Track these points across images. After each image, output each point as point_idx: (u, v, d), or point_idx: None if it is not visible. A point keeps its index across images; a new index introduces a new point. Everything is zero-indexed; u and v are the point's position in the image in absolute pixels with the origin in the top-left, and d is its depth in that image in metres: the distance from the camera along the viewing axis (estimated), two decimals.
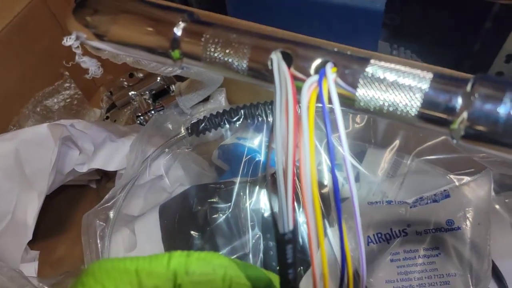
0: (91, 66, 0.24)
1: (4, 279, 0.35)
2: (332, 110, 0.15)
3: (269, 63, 0.17)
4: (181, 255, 0.20)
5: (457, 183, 0.43)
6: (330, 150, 0.13)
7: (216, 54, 0.18)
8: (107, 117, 0.57)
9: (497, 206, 0.46)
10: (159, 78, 0.55)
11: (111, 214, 0.44)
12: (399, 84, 0.15)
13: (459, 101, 0.15)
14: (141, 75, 0.55)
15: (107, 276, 0.18)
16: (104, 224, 0.43)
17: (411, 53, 0.66)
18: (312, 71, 0.16)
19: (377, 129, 0.47)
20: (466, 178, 0.45)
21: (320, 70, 0.15)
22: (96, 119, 0.59)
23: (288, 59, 0.17)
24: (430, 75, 0.15)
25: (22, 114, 0.53)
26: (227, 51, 0.18)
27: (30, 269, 0.47)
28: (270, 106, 0.46)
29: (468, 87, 0.15)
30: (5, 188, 0.39)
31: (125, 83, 0.56)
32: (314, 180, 0.14)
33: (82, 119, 0.55)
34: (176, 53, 0.20)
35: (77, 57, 0.23)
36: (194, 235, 0.42)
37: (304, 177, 0.14)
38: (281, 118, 0.13)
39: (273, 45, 0.17)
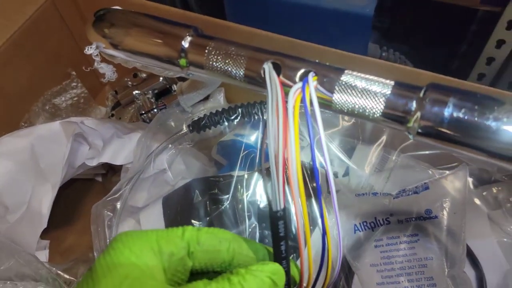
0: (107, 72, 0.28)
1: (22, 262, 0.39)
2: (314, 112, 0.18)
3: (262, 72, 0.21)
4: (193, 229, 0.23)
5: (438, 177, 0.47)
6: (310, 134, 0.17)
7: (217, 64, 0.22)
8: (112, 115, 0.60)
9: (475, 199, 0.49)
10: (161, 78, 0.58)
11: (118, 205, 0.47)
12: (367, 90, 0.19)
13: (414, 104, 0.18)
14: (144, 75, 0.58)
15: (133, 242, 0.21)
16: (111, 214, 0.47)
17: (400, 54, 0.69)
18: (297, 79, 0.19)
19: (364, 126, 0.50)
20: (447, 172, 0.49)
21: (304, 78, 0.19)
22: (102, 117, 0.62)
23: (277, 68, 0.20)
24: (391, 83, 0.19)
25: (33, 112, 0.56)
26: (227, 61, 0.21)
27: (42, 256, 0.51)
28: (265, 105, 0.49)
29: (421, 93, 0.18)
30: (21, 180, 0.42)
31: (129, 83, 0.59)
32: (298, 164, 0.17)
33: (88, 116, 0.58)
34: (183, 62, 0.23)
35: (95, 64, 0.27)
36: (195, 224, 0.46)
37: (291, 163, 0.17)
38: (272, 117, 0.17)
39: (265, 57, 0.21)
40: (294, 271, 0.25)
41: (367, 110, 0.19)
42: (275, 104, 0.18)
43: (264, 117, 0.50)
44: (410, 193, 0.43)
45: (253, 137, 0.53)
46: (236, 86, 0.59)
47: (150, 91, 0.59)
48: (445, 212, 0.41)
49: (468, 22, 0.61)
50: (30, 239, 0.42)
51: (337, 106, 0.19)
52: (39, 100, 0.57)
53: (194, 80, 0.58)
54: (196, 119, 0.49)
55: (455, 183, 0.42)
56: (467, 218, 0.45)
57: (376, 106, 0.19)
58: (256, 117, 0.49)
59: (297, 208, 0.18)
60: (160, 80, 0.59)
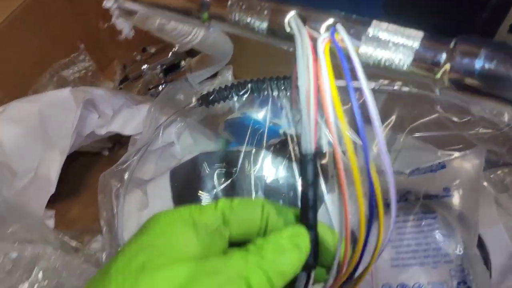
0: (125, 27, 0.27)
1: (30, 225, 0.39)
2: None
3: (286, 24, 0.21)
4: (226, 200, 0.23)
5: (454, 156, 0.47)
6: (351, 92, 0.16)
7: (239, 17, 0.22)
8: (120, 89, 0.60)
9: (483, 182, 0.50)
10: (170, 53, 0.58)
11: (126, 175, 0.47)
12: (395, 43, 0.19)
13: (443, 56, 0.18)
14: (153, 50, 0.58)
15: (165, 219, 0.21)
16: (118, 184, 0.47)
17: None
18: (322, 30, 0.19)
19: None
20: (455, 154, 0.49)
21: (330, 29, 0.19)
22: None
23: (302, 20, 0.20)
24: (421, 34, 0.18)
25: (40, 83, 0.56)
26: (250, 14, 0.21)
27: (48, 225, 0.51)
28: (275, 82, 0.49)
29: (451, 45, 0.18)
30: (29, 146, 0.42)
31: (138, 57, 0.59)
32: (334, 91, 0.17)
33: None
34: (205, 15, 0.23)
35: (114, 17, 0.26)
36: (202, 196, 0.46)
37: (325, 95, 0.17)
38: (303, 57, 0.17)
39: (289, 9, 0.20)
40: (327, 235, 0.23)
41: (395, 63, 0.19)
42: (304, 45, 0.18)
43: (274, 93, 0.50)
44: (426, 171, 0.43)
45: (261, 115, 0.52)
46: (245, 63, 0.59)
47: (159, 67, 0.58)
48: (461, 191, 0.41)
49: (481, 7, 0.60)
50: (38, 205, 0.41)
51: (363, 59, 0.19)
52: (47, 71, 0.57)
53: (203, 56, 0.58)
54: (205, 93, 0.49)
55: (472, 162, 0.42)
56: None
57: (404, 59, 0.19)
58: (265, 93, 0.49)
59: (335, 141, 0.17)
60: (169, 56, 0.58)
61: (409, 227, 0.42)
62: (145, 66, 0.58)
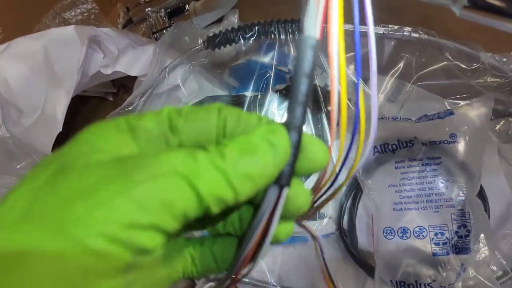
0: None
1: (38, 160, 0.39)
2: None
3: None
4: (173, 107, 0.18)
5: (462, 103, 0.47)
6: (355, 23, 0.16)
7: None
8: (117, 29, 0.59)
9: (488, 132, 0.50)
10: None
11: None
12: None
13: None
14: None
15: (98, 129, 0.17)
16: None
17: None
18: None
19: (382, 52, 0.50)
20: (461, 103, 0.49)
21: None
22: None
23: None
24: None
25: (43, 24, 0.55)
26: None
27: None
28: (282, 25, 0.48)
29: None
30: (35, 83, 0.42)
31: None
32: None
33: None
34: None
35: None
36: None
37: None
38: None
39: None
40: (311, 143, 0.18)
41: None
42: None
43: (281, 37, 0.49)
44: (434, 117, 0.43)
45: (267, 60, 0.52)
46: (251, 7, 0.58)
47: (163, 10, 0.57)
48: (468, 138, 0.41)
49: None
50: (45, 143, 0.42)
51: None
52: (49, 12, 0.56)
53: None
54: (211, 35, 0.48)
55: (480, 109, 0.42)
56: None
57: None
58: (272, 36, 0.48)
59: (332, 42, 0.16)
60: None
61: (413, 173, 0.43)
62: (149, 9, 0.56)
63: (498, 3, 0.17)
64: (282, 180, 0.17)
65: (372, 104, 0.18)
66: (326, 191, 0.20)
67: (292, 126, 0.17)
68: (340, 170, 0.20)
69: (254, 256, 0.18)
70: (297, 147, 0.17)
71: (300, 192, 0.18)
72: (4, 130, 0.37)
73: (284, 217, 0.18)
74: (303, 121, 0.17)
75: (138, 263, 0.15)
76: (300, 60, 0.16)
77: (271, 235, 0.17)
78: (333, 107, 0.18)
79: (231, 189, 0.15)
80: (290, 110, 0.17)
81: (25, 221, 0.14)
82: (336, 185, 0.20)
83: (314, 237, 0.22)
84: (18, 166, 0.38)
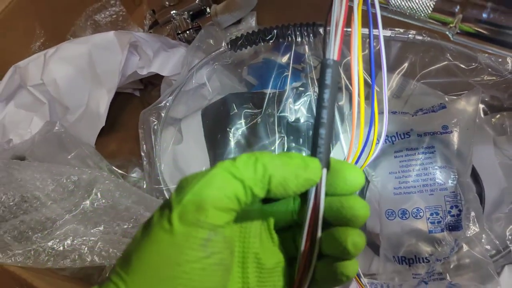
0: None
1: (87, 152, 0.45)
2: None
3: None
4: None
5: (454, 98, 0.51)
6: (370, 26, 0.21)
7: None
8: (150, 33, 0.63)
9: (484, 125, 0.55)
10: (197, 0, 0.61)
11: (162, 113, 0.52)
12: None
13: (457, 8, 0.22)
14: None
15: None
16: (156, 121, 0.52)
17: None
18: None
19: (389, 53, 0.54)
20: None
21: None
22: None
23: None
24: None
25: (77, 26, 0.60)
26: None
27: None
28: (298, 28, 0.53)
29: None
30: (80, 84, 0.47)
31: (167, 3, 0.62)
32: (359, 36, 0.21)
33: None
34: None
35: None
36: (231, 132, 0.51)
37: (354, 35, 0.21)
38: (341, 2, 0.21)
39: None
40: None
41: (418, 13, 0.23)
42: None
43: (297, 39, 0.54)
44: (428, 111, 0.48)
45: (284, 59, 0.57)
46: (268, 10, 0.62)
47: (186, 12, 0.62)
48: (458, 128, 0.46)
49: None
50: (90, 135, 0.47)
51: (392, 7, 0.24)
52: (82, 15, 0.61)
53: (229, 2, 0.61)
54: (234, 38, 0.53)
55: (469, 102, 0.47)
56: (475, 141, 0.50)
57: (425, 10, 0.23)
58: (289, 39, 0.53)
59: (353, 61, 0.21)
60: (196, 2, 0.61)
61: (410, 161, 0.48)
62: (174, 12, 0.61)
63: (484, 31, 0.22)
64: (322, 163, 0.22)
65: (385, 113, 0.24)
66: None
67: (321, 123, 0.22)
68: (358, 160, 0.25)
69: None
70: (329, 123, 0.22)
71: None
72: (60, 126, 0.42)
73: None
74: (332, 118, 0.22)
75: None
76: (322, 77, 0.21)
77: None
78: (354, 110, 0.23)
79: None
80: (318, 112, 0.22)
81: None
82: None
83: None
84: (69, 157, 0.44)
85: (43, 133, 0.43)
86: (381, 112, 0.52)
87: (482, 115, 0.56)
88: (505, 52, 0.22)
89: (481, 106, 0.54)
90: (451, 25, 0.23)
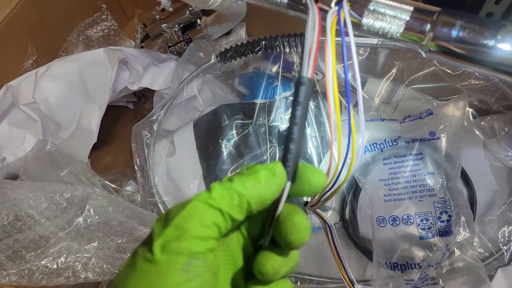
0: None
1: (79, 169, 0.45)
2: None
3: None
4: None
5: (441, 104, 0.52)
6: (343, 49, 0.22)
7: None
8: (142, 47, 0.64)
9: (474, 129, 0.55)
10: (187, 12, 0.62)
11: (155, 126, 0.53)
12: (390, 15, 0.23)
13: (428, 26, 0.23)
14: (171, 9, 0.62)
15: None
16: (149, 134, 0.53)
17: None
18: (333, 4, 0.24)
19: (377, 60, 0.55)
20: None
21: (339, 3, 0.23)
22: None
23: None
24: (411, 9, 0.23)
25: (69, 42, 0.61)
26: None
27: None
28: (287, 39, 0.53)
29: (434, 17, 0.23)
30: (71, 100, 0.48)
31: (157, 16, 0.63)
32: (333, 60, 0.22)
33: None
34: None
35: None
36: (223, 143, 0.52)
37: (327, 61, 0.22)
38: (311, 31, 0.21)
39: None
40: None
41: (390, 32, 0.24)
42: (314, 22, 0.22)
43: (286, 50, 0.54)
44: (416, 118, 0.48)
45: (273, 69, 0.57)
46: (257, 21, 0.63)
47: (177, 25, 0.63)
48: (446, 134, 0.46)
49: None
50: (82, 152, 0.48)
51: (365, 28, 0.24)
52: (74, 31, 0.62)
53: (218, 14, 0.62)
54: (223, 50, 0.54)
55: (456, 108, 0.47)
56: (465, 145, 0.50)
57: (397, 29, 0.24)
58: (278, 50, 0.54)
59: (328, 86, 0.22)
60: (186, 14, 0.62)
61: (399, 168, 0.48)
62: (164, 25, 0.62)
63: (454, 48, 0.23)
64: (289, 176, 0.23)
65: (360, 121, 0.24)
66: (330, 188, 0.26)
67: (291, 139, 0.23)
68: (340, 171, 0.26)
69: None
70: (299, 139, 0.23)
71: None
72: (51, 144, 0.43)
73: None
74: (301, 135, 0.23)
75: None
76: (296, 93, 0.22)
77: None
78: (331, 117, 0.23)
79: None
80: (290, 129, 0.23)
81: None
82: (338, 182, 0.26)
83: (326, 223, 0.28)
84: (61, 174, 0.44)
85: (36, 152, 0.43)
86: (367, 120, 0.53)
87: (471, 118, 0.56)
88: (476, 69, 0.23)
89: (470, 110, 0.55)
90: (423, 44, 0.23)
